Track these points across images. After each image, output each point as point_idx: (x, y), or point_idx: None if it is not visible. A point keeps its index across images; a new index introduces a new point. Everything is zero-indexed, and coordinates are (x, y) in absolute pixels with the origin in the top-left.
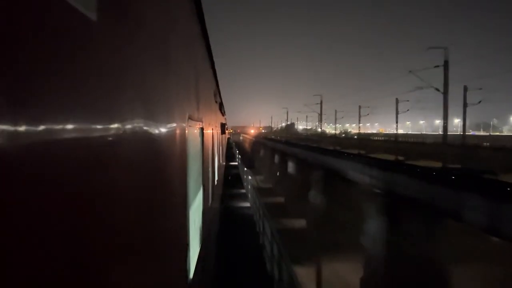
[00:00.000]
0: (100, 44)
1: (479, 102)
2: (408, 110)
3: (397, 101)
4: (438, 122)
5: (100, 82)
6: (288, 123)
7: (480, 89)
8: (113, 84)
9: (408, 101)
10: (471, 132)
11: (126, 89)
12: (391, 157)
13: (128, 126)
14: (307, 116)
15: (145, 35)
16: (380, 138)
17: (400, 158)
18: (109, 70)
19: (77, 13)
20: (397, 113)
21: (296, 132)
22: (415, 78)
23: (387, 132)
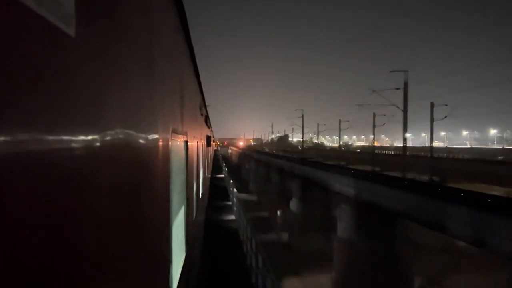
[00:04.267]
0: (80, 59)
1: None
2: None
3: None
4: (424, 134)
5: (80, 97)
6: (280, 134)
7: (446, 105)
8: (94, 98)
9: (385, 115)
10: None
11: (108, 104)
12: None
13: (110, 139)
14: (320, 125)
15: (127, 49)
16: (391, 152)
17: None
18: (90, 84)
19: (56, 29)
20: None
21: (290, 145)
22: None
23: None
